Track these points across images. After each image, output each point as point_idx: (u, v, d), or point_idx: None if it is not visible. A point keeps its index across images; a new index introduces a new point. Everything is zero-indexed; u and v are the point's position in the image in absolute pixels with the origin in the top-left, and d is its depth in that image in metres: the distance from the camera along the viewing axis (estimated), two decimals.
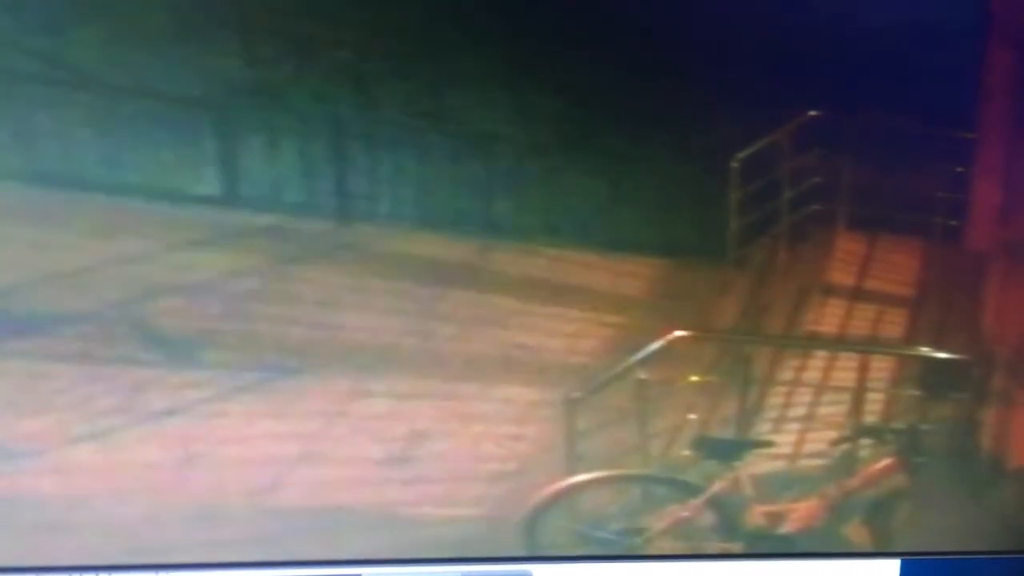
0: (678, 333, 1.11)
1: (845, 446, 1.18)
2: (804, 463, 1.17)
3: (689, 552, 1.13)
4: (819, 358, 1.17)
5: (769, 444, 1.15)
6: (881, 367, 1.19)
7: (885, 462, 1.19)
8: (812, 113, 1.11)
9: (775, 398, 1.16)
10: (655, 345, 1.10)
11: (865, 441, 1.18)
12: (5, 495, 0.93)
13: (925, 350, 1.19)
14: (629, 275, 1.10)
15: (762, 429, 1.16)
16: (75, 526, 0.95)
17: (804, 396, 1.17)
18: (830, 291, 1.18)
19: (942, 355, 1.19)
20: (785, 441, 1.17)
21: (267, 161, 0.99)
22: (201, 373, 0.98)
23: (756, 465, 1.15)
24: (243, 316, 0.99)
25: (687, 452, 1.13)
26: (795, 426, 1.17)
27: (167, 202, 0.96)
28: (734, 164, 1.08)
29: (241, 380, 0.99)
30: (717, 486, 1.14)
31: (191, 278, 0.97)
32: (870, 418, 1.18)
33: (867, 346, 1.18)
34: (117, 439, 0.96)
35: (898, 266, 1.19)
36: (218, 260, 0.98)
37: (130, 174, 0.95)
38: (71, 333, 0.94)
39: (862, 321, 1.19)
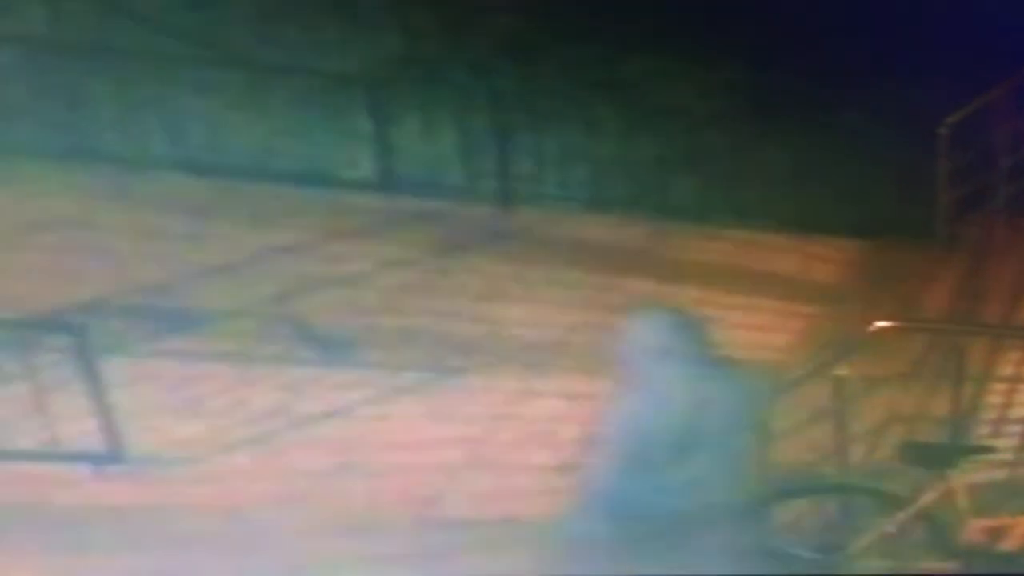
0: (881, 324, 1.00)
1: None
2: None
3: (896, 571, 1.02)
4: None
5: (987, 449, 1.05)
6: None
7: None
8: None
9: (993, 396, 1.06)
10: (855, 337, 1.00)
11: None
12: (159, 504, 0.89)
13: None
14: (823, 259, 1.03)
15: (979, 432, 1.06)
16: (230, 537, 0.91)
17: None
18: None
19: None
20: (1006, 446, 1.06)
21: (424, 141, 0.94)
22: (359, 372, 0.94)
23: (972, 473, 1.03)
24: (401, 310, 0.95)
25: (892, 458, 1.03)
26: (1018, 428, 1.07)
27: (321, 188, 0.92)
28: (942, 130, 1.00)
29: (401, 380, 0.94)
30: (927, 497, 1.02)
31: (347, 269, 0.93)
32: None
33: None
34: (273, 445, 0.91)
35: None
36: (374, 250, 0.94)
37: (282, 159, 0.92)
38: (225, 330, 0.91)
39: None
